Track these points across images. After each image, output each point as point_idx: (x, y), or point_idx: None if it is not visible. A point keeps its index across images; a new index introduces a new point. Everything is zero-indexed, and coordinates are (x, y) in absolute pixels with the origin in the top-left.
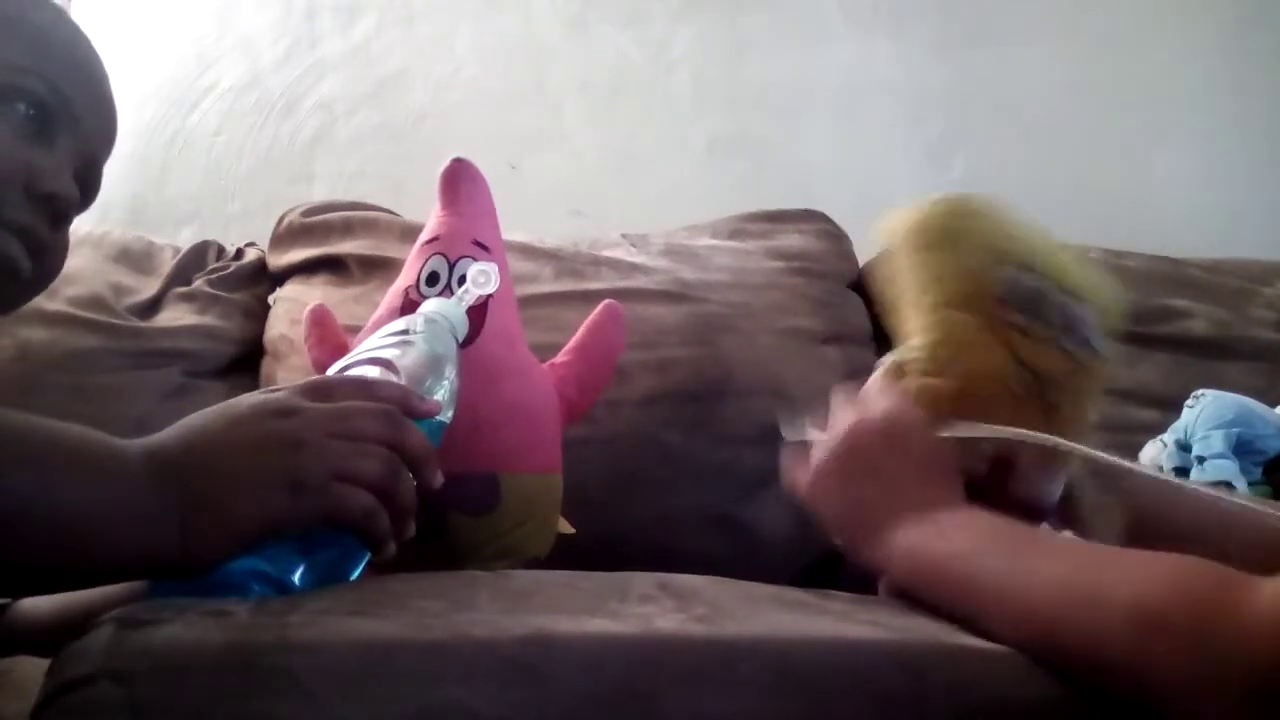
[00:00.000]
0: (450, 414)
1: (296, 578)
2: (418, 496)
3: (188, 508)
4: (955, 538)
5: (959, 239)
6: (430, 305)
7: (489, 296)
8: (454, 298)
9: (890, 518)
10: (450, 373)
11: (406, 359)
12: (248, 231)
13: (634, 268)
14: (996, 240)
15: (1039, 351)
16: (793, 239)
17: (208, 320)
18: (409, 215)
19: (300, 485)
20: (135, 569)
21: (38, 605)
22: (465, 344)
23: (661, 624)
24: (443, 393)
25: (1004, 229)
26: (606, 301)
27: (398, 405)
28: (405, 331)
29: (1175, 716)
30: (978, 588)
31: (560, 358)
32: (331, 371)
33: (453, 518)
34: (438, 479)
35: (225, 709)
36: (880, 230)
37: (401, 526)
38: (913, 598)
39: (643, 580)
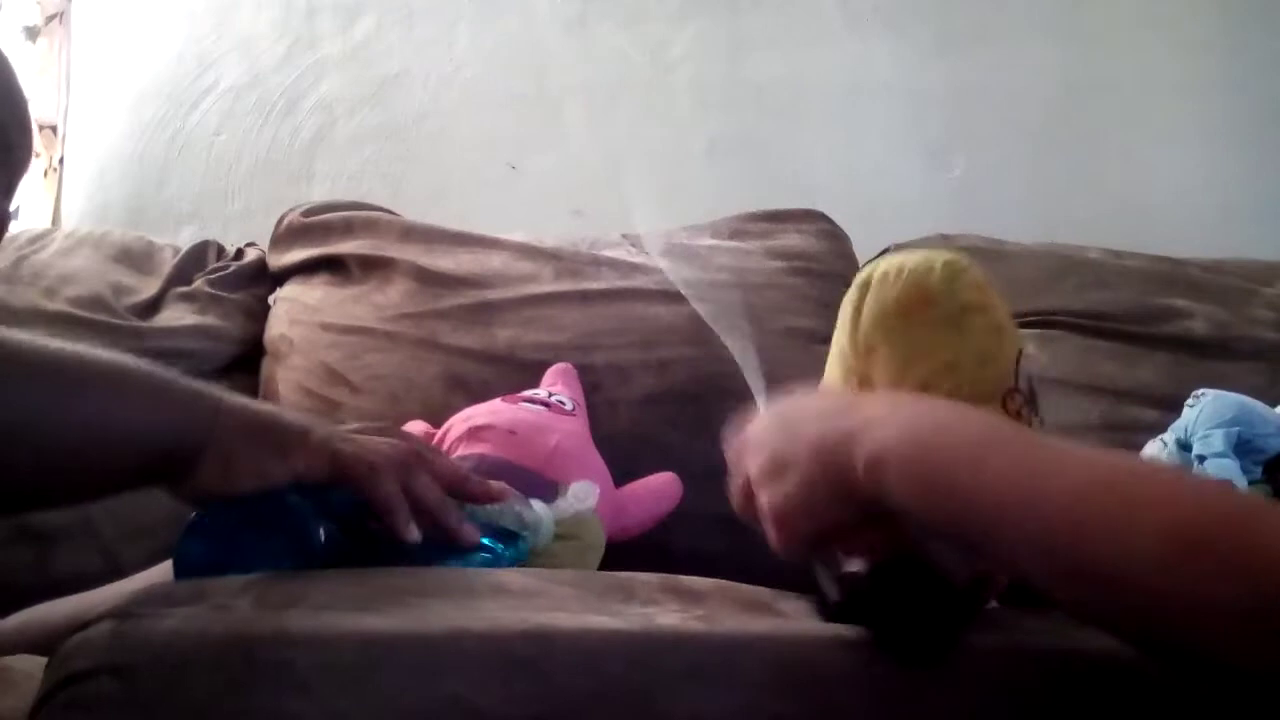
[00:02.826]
0: None
1: (321, 534)
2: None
3: (218, 424)
4: (944, 437)
5: (970, 318)
6: (537, 514)
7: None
8: (554, 507)
9: (851, 439)
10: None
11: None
12: (248, 231)
13: (634, 268)
14: (1000, 317)
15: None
16: (793, 239)
17: (208, 320)
18: (409, 215)
19: (313, 429)
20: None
21: (53, 610)
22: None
23: (663, 622)
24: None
25: (997, 298)
26: (672, 477)
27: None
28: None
29: (1206, 640)
30: (986, 502)
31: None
32: None
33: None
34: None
35: (225, 703)
36: (863, 281)
37: (422, 516)
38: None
39: (647, 582)
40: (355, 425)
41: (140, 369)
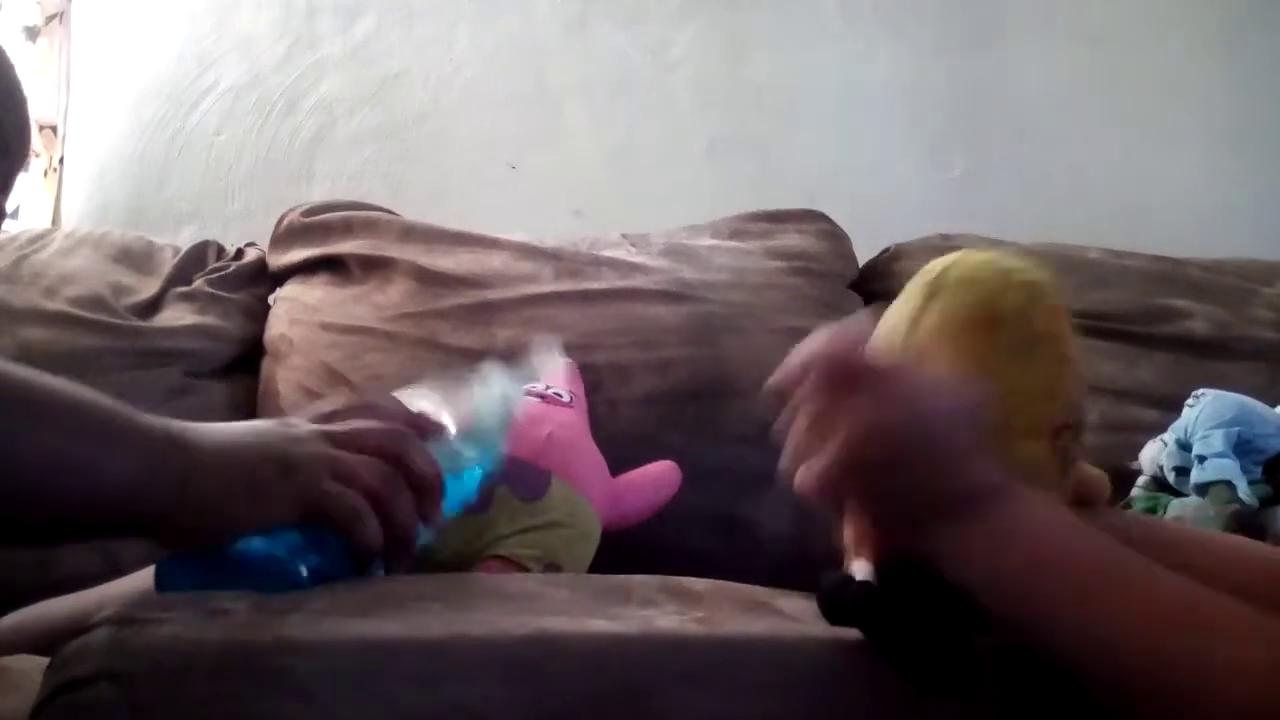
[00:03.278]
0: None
1: (304, 570)
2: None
3: (189, 472)
4: (1029, 554)
5: (1039, 348)
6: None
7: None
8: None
9: (942, 508)
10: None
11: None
12: (248, 231)
13: (634, 268)
14: (1069, 347)
15: (1072, 468)
16: (793, 239)
17: (208, 320)
18: (409, 215)
19: (291, 468)
20: (133, 518)
21: (50, 609)
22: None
23: (662, 624)
24: (475, 452)
25: (1068, 324)
26: (671, 465)
27: (402, 422)
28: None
29: None
30: (1059, 626)
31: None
32: None
33: (500, 492)
34: (438, 514)
35: (225, 711)
36: (932, 280)
37: (397, 548)
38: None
39: (645, 584)
40: (337, 405)
41: (100, 406)
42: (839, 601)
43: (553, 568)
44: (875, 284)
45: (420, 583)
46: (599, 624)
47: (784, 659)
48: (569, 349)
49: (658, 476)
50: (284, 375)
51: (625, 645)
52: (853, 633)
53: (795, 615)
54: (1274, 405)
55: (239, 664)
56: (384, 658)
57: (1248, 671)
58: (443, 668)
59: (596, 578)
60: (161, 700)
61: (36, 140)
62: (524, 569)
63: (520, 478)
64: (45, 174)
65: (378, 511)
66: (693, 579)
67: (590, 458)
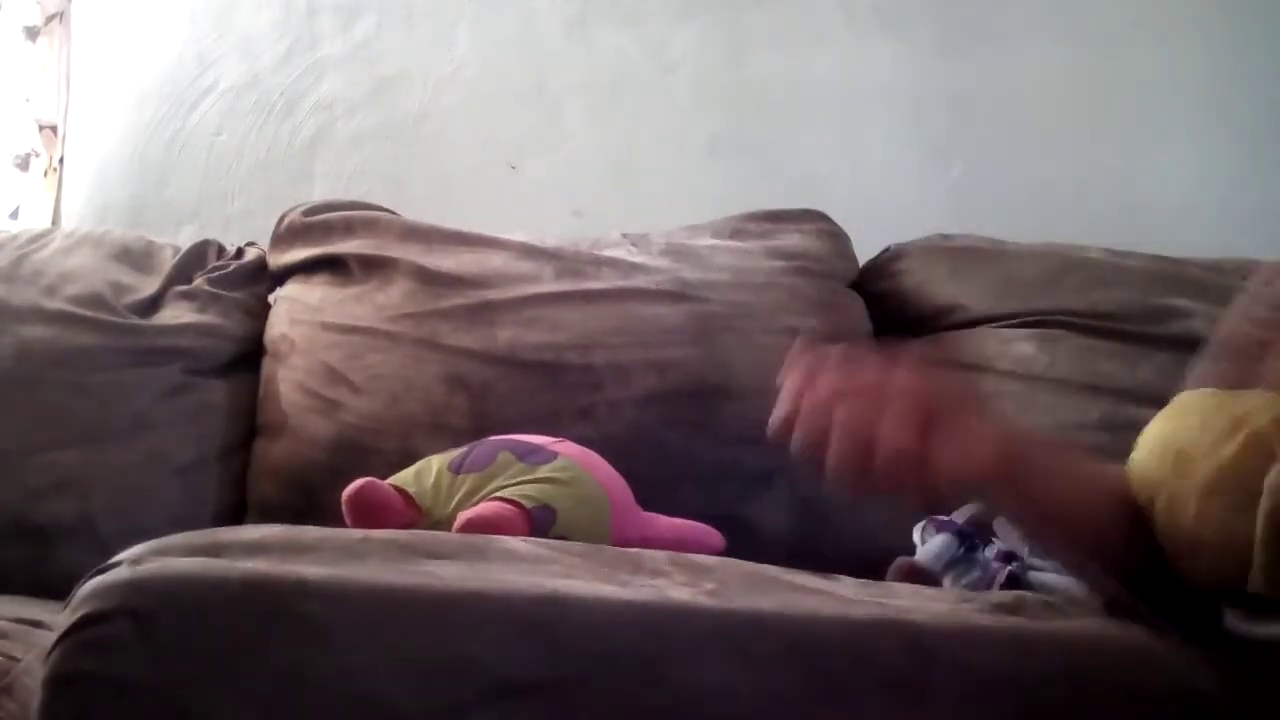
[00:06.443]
0: None
1: None
2: None
3: None
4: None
5: None
6: None
7: None
8: None
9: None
10: None
11: None
12: (248, 231)
13: (635, 267)
14: None
15: None
16: (793, 239)
17: (207, 318)
18: (409, 215)
19: None
20: None
21: None
22: None
23: (673, 594)
24: None
25: None
26: (715, 533)
27: None
28: None
29: None
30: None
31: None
32: None
33: (503, 456)
34: None
35: (242, 652)
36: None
37: None
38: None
39: (655, 556)
40: None
41: None
42: None
43: (547, 510)
44: (875, 284)
45: (437, 539)
46: (612, 590)
47: (793, 635)
48: (570, 349)
49: (696, 535)
50: (285, 375)
51: (638, 612)
52: (860, 610)
53: (805, 590)
54: None
55: (257, 606)
56: (400, 607)
57: None
58: (456, 621)
59: (609, 549)
60: (179, 639)
61: (36, 140)
62: (517, 506)
63: (527, 452)
64: (45, 174)
65: None
66: (702, 555)
67: (613, 473)
